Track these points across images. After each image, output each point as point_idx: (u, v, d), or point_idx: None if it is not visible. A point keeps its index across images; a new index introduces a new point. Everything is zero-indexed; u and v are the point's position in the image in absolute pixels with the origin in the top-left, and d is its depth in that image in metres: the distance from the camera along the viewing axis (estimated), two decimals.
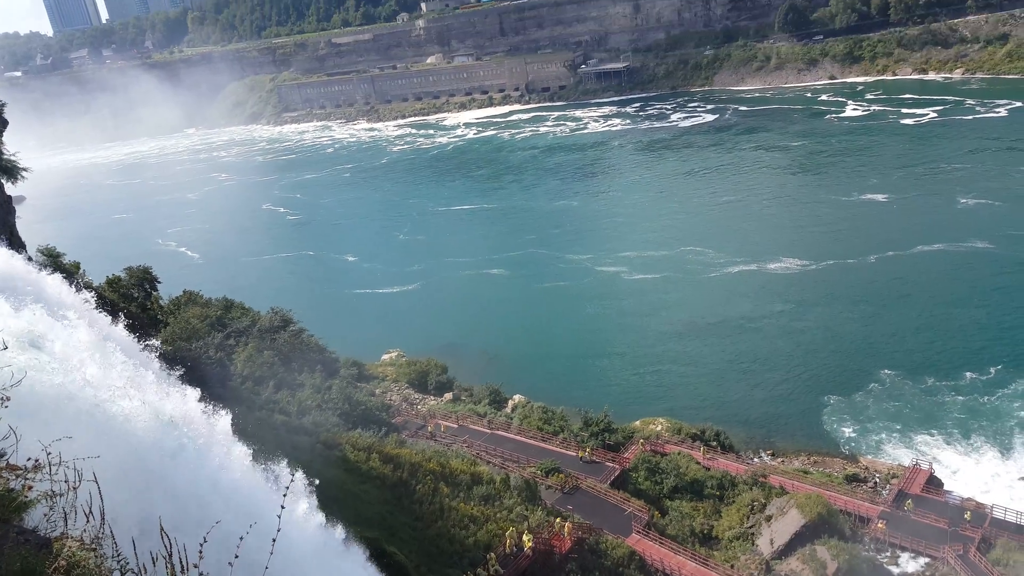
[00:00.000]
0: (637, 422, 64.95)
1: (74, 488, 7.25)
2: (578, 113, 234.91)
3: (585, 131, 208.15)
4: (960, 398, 67.08)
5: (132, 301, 50.89)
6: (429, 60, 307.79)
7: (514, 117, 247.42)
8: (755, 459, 62.87)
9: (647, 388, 76.96)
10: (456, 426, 62.85)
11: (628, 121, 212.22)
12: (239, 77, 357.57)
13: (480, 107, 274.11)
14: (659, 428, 64.10)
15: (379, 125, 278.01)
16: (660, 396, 74.89)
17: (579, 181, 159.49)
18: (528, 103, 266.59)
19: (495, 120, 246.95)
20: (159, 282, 55.00)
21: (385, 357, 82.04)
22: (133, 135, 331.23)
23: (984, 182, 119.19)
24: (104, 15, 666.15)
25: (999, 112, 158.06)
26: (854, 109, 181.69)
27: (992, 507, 50.79)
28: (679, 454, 58.75)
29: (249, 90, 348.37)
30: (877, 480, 58.64)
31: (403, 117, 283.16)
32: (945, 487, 54.72)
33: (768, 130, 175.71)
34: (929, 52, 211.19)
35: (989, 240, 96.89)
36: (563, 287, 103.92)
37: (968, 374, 70.12)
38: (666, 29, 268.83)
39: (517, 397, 70.58)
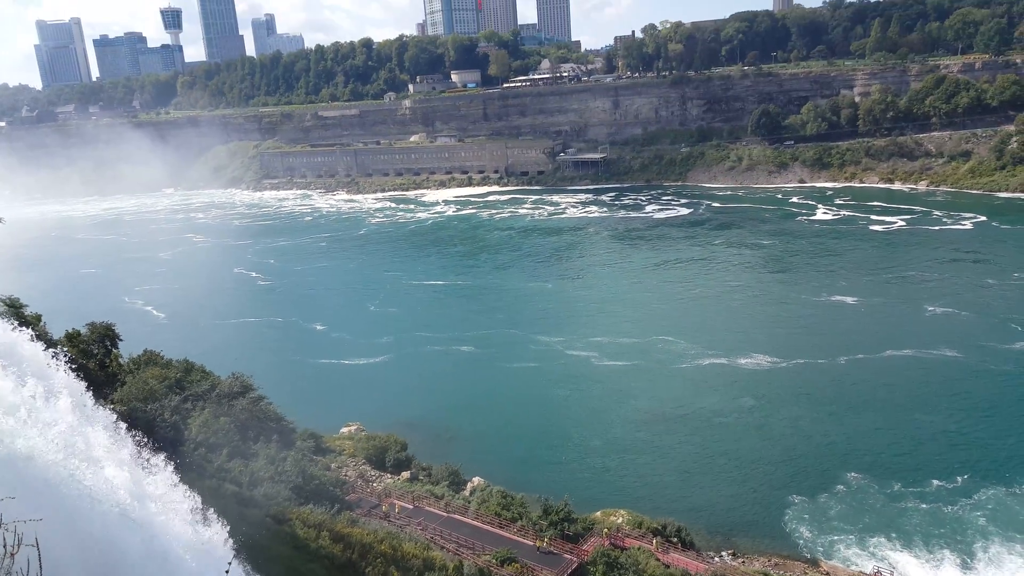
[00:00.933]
0: (598, 513, 63.61)
1: (12, 554, 6.72)
2: (556, 198, 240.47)
3: (562, 216, 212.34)
4: (924, 506, 66.75)
5: (91, 357, 49.53)
6: (413, 138, 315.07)
7: (492, 198, 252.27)
8: (716, 558, 61.34)
9: (610, 478, 75.54)
10: (411, 507, 60.77)
11: (604, 209, 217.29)
12: (223, 141, 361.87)
13: (459, 186, 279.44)
14: (620, 520, 62.48)
15: (359, 197, 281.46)
16: (623, 487, 73.52)
17: (554, 264, 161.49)
18: (507, 185, 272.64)
19: (473, 199, 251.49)
20: (121, 340, 53.61)
21: (344, 430, 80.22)
22: (113, 191, 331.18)
23: (951, 291, 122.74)
24: (95, 74, 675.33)
25: (965, 225, 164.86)
26: (824, 213, 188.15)
27: None
28: (639, 549, 57.07)
29: (232, 155, 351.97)
30: None
31: (383, 191, 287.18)
32: None
33: (741, 227, 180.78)
34: (895, 163, 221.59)
35: (957, 349, 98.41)
36: (532, 368, 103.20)
37: (934, 482, 69.91)
38: (643, 125, 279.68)
39: (476, 479, 68.88)
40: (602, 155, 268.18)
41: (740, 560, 61.51)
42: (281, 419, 66.63)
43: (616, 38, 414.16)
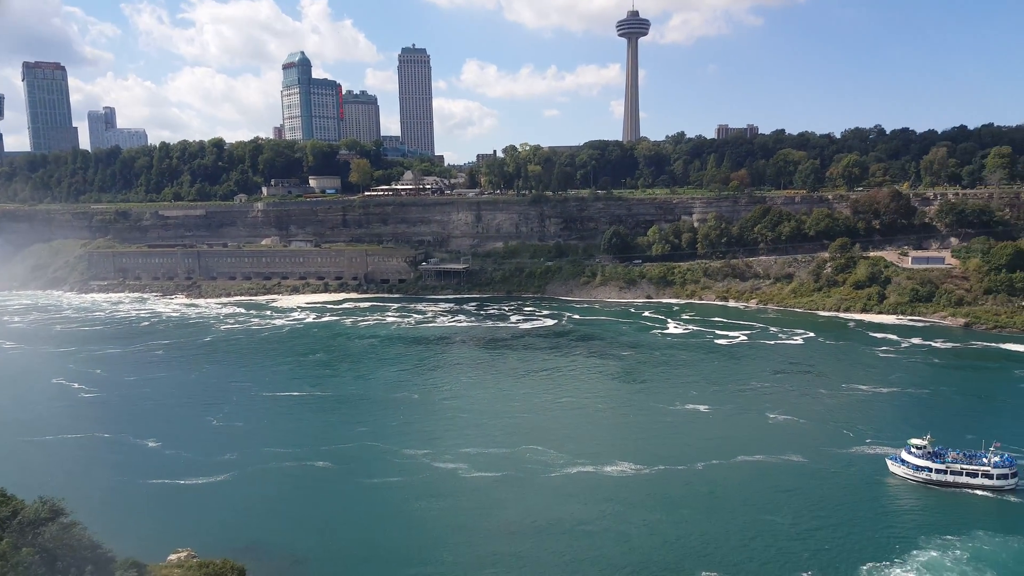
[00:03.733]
0: None
1: None
2: (419, 307, 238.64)
3: (429, 325, 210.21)
4: None
5: None
6: (264, 242, 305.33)
7: (351, 305, 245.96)
8: None
9: None
10: None
11: (470, 319, 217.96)
12: (45, 239, 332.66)
13: (315, 292, 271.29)
14: None
15: (200, 301, 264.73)
16: None
17: (421, 374, 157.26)
18: (366, 292, 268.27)
19: (330, 307, 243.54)
20: None
21: (172, 557, 72.88)
22: None
23: (790, 401, 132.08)
24: None
25: (796, 340, 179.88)
26: (675, 327, 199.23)
27: None
28: None
29: (54, 253, 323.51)
30: None
31: (228, 295, 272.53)
32: None
33: (601, 338, 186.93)
34: (729, 283, 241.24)
35: (800, 454, 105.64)
36: (395, 483, 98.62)
37: None
38: (504, 239, 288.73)
39: None
40: (465, 266, 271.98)
41: None
42: (97, 547, 59.99)
43: (479, 156, 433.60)
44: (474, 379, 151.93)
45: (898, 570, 75.39)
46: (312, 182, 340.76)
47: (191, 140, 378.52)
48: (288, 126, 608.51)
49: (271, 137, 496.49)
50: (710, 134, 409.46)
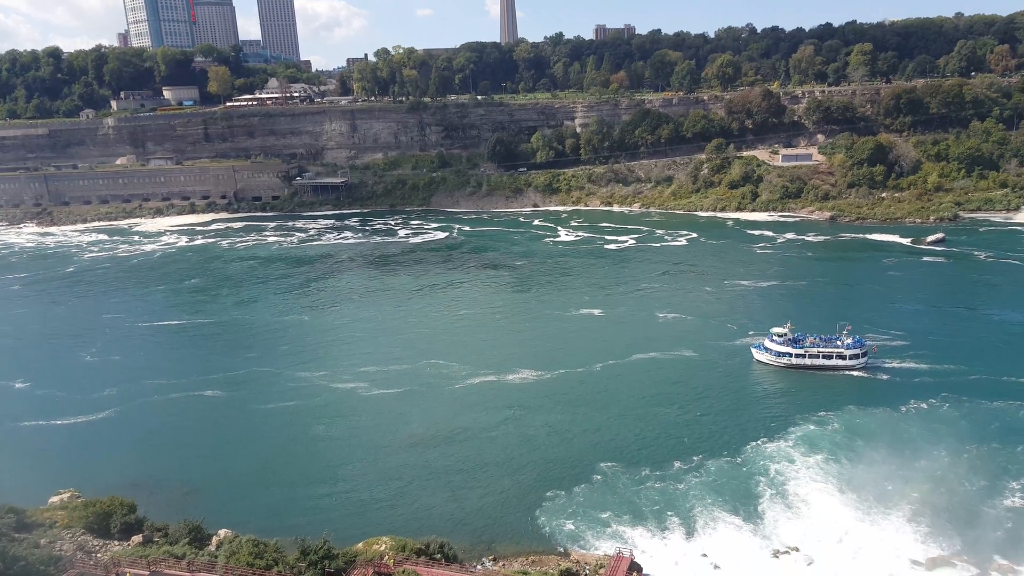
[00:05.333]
0: (360, 544, 62.23)
1: None
2: (299, 224, 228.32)
3: (312, 243, 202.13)
4: (658, 485, 76.62)
5: None
6: (119, 161, 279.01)
7: (223, 226, 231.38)
8: (478, 566, 63.75)
9: (378, 506, 75.01)
10: (148, 573, 54.10)
11: (356, 235, 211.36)
12: None
13: (181, 214, 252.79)
14: (383, 547, 61.77)
15: (55, 229, 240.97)
16: (391, 513, 73.39)
17: (310, 294, 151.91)
18: (237, 212, 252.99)
19: (201, 229, 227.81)
20: None
21: (54, 499, 69.45)
22: None
23: (677, 299, 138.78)
24: None
25: (680, 241, 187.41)
26: (566, 234, 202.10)
27: None
28: (403, 572, 55.97)
29: None
30: (587, 572, 62.26)
31: (85, 221, 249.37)
32: (644, 570, 59.25)
33: (494, 250, 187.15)
34: (613, 188, 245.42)
35: (689, 348, 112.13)
36: (291, 408, 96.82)
37: (676, 463, 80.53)
38: (383, 150, 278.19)
39: (223, 532, 63.70)
40: (343, 179, 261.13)
41: (500, 564, 65.18)
42: None
43: (349, 60, 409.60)
44: (367, 297, 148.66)
45: (779, 443, 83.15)
46: (167, 94, 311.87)
47: (22, 50, 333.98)
48: (133, 32, 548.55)
49: (116, 45, 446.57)
50: (588, 35, 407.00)
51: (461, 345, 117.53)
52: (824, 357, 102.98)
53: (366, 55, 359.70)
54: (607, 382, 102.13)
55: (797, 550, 66.71)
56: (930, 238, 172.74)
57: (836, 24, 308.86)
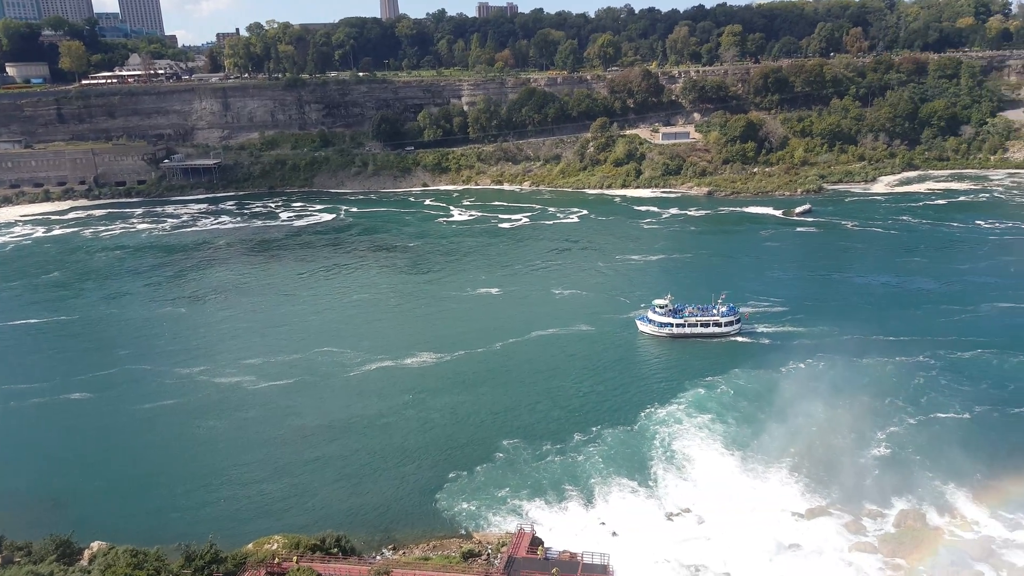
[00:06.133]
0: (250, 544, 61.04)
1: None
2: (169, 210, 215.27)
3: (186, 230, 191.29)
4: (558, 459, 79.01)
5: None
6: None
7: (83, 214, 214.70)
8: (378, 557, 63.86)
9: (269, 503, 73.06)
10: None
11: (234, 219, 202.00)
12: None
13: (34, 202, 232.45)
14: (275, 546, 60.83)
15: None
16: (283, 509, 71.81)
17: (185, 285, 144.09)
18: (98, 199, 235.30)
19: (58, 218, 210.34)
20: None
21: None
22: None
23: (572, 275, 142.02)
24: None
25: (572, 219, 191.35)
26: (459, 214, 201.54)
27: (582, 554, 58.58)
28: (299, 570, 55.74)
29: None
30: (490, 551, 63.81)
31: None
32: (546, 544, 61.58)
33: (386, 231, 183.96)
34: (503, 166, 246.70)
35: (586, 323, 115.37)
36: (169, 407, 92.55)
37: (576, 435, 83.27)
38: (259, 128, 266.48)
39: (96, 545, 61.14)
40: (216, 161, 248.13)
41: (401, 552, 65.53)
42: None
43: (219, 35, 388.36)
44: (250, 284, 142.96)
45: (671, 408, 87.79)
46: (10, 70, 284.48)
47: None
48: None
49: None
50: (471, 12, 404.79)
51: (354, 331, 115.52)
52: (702, 325, 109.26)
53: (237, 30, 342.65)
54: (507, 360, 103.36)
55: (689, 511, 70.63)
56: (798, 209, 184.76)
57: (708, 6, 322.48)
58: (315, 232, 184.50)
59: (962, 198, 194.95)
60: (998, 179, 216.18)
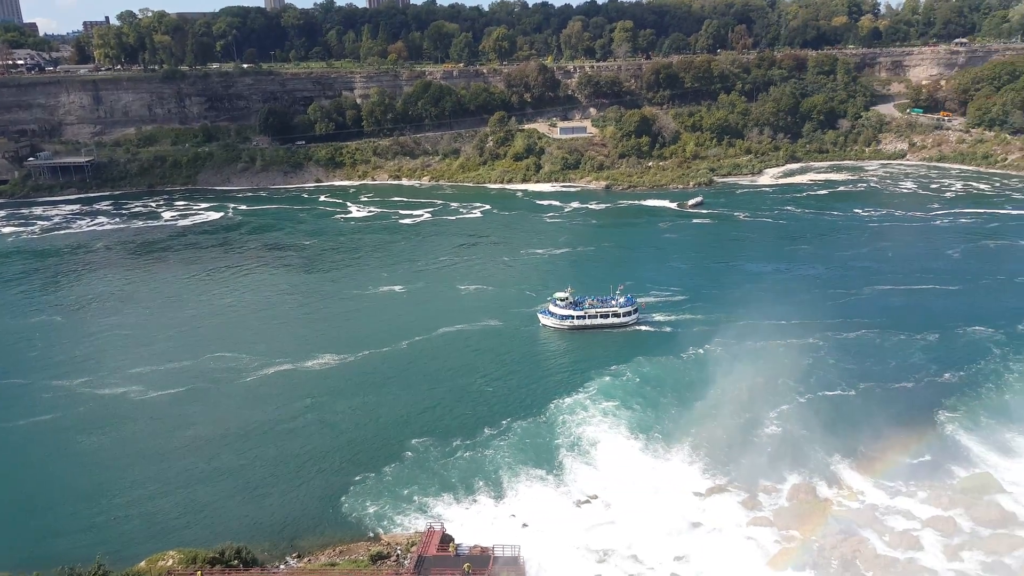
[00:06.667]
0: (143, 562, 59.61)
1: None
2: (37, 211, 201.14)
3: (58, 232, 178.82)
4: (468, 454, 79.96)
5: None
6: None
7: None
8: (281, 566, 63.45)
9: (161, 519, 70.57)
10: None
11: (112, 220, 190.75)
12: None
13: None
14: (170, 562, 59.62)
15: None
16: (177, 524, 69.60)
17: (61, 291, 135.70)
18: None
19: None
20: None
21: None
22: None
23: (477, 270, 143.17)
24: None
25: (475, 213, 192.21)
26: (357, 210, 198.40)
27: (493, 548, 60.14)
28: None
29: None
30: (399, 552, 64.49)
31: None
32: (456, 540, 62.31)
33: (279, 229, 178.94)
34: (400, 161, 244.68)
35: (493, 318, 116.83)
36: (46, 422, 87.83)
37: (485, 430, 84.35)
38: (136, 124, 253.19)
39: None
40: (89, 158, 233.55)
41: (306, 560, 64.93)
42: None
43: (86, 24, 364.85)
44: (133, 289, 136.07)
45: (578, 396, 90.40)
46: None
47: None
48: None
49: None
50: (361, 3, 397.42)
51: (250, 334, 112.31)
52: (602, 316, 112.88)
53: (107, 18, 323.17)
54: (414, 359, 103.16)
55: (596, 497, 73.09)
56: (691, 202, 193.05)
57: (600, 1, 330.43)
58: (202, 232, 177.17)
59: (841, 188, 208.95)
60: (872, 169, 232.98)
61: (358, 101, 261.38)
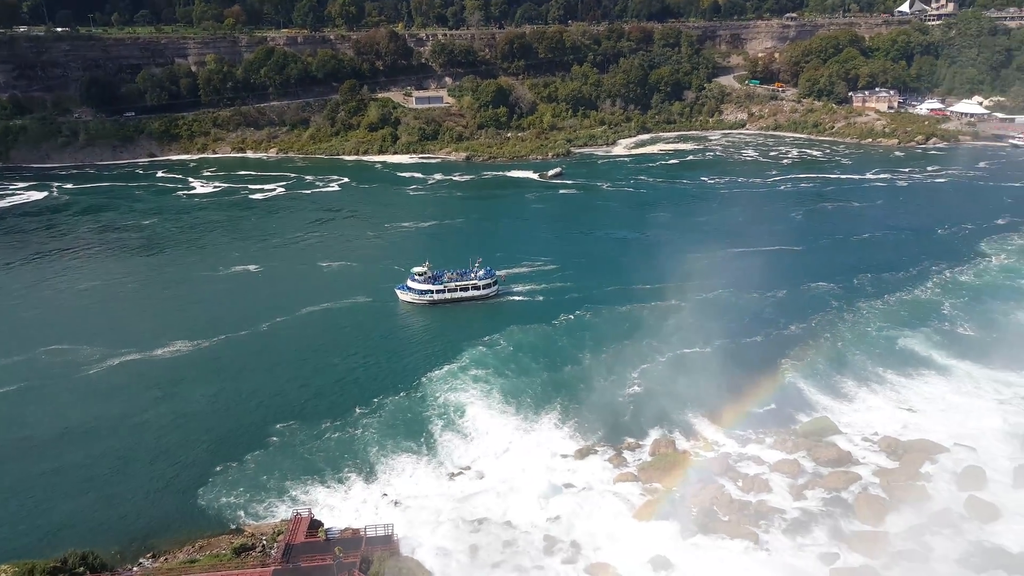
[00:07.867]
0: None
1: None
2: None
3: None
4: (336, 435, 79.41)
5: None
6: None
7: None
8: (135, 568, 61.42)
9: None
10: None
11: None
12: None
13: None
14: None
15: None
16: (13, 536, 65.37)
17: None
18: None
19: None
20: None
21: None
22: None
23: (340, 246, 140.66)
24: None
25: (333, 187, 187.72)
26: (201, 186, 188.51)
27: (365, 528, 61.07)
28: None
29: None
30: (264, 542, 63.72)
31: None
32: (326, 525, 62.45)
33: (113, 209, 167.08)
34: (244, 132, 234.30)
35: (362, 294, 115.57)
36: None
37: (356, 409, 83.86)
38: None
39: None
40: None
41: (163, 560, 62.90)
42: None
43: None
44: None
45: (450, 367, 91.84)
46: None
47: None
48: None
49: None
50: None
51: (88, 324, 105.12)
52: (462, 290, 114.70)
53: None
54: (275, 341, 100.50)
55: (469, 468, 74.98)
56: (550, 172, 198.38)
57: None
58: (22, 214, 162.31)
59: (690, 157, 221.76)
60: (716, 139, 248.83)
61: (193, 69, 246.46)
